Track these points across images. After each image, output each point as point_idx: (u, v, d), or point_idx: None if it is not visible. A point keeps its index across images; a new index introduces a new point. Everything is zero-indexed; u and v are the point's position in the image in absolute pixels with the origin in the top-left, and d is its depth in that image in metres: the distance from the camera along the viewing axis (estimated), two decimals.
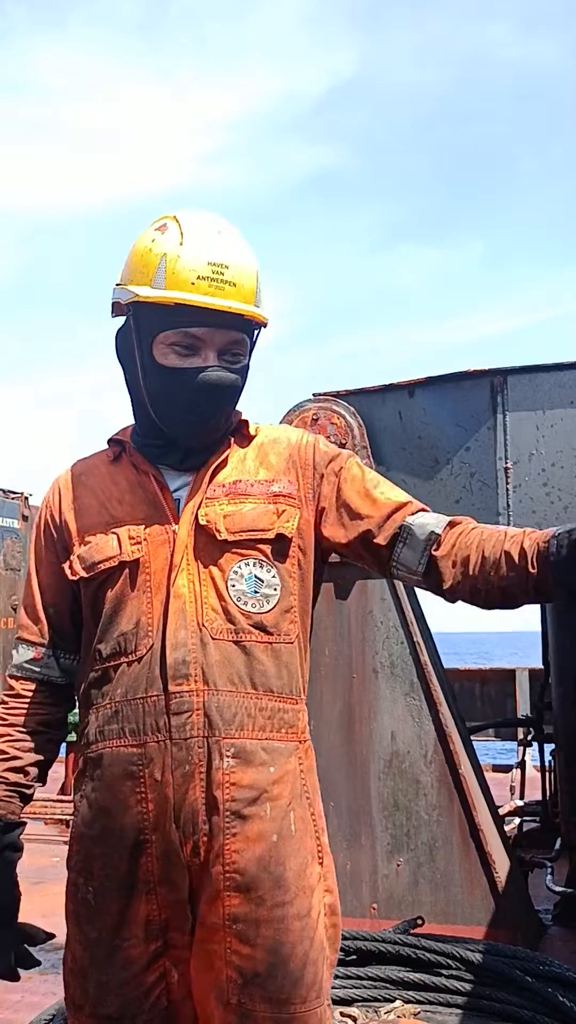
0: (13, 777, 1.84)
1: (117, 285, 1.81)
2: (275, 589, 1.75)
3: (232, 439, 1.85)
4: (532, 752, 6.11)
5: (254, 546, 1.75)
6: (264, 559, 1.75)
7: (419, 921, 3.76)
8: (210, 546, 1.74)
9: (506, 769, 8.38)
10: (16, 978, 1.81)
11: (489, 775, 7.79)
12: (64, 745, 8.22)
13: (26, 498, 5.18)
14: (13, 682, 1.90)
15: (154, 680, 1.69)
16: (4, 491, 5.12)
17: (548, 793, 5.70)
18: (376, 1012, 3.13)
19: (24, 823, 1.88)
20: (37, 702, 1.87)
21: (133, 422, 1.90)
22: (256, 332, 1.82)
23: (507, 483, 4.05)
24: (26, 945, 1.84)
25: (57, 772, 8.80)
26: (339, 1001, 3.16)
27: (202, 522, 1.74)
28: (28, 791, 1.86)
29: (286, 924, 1.64)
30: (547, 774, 5.71)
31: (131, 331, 1.79)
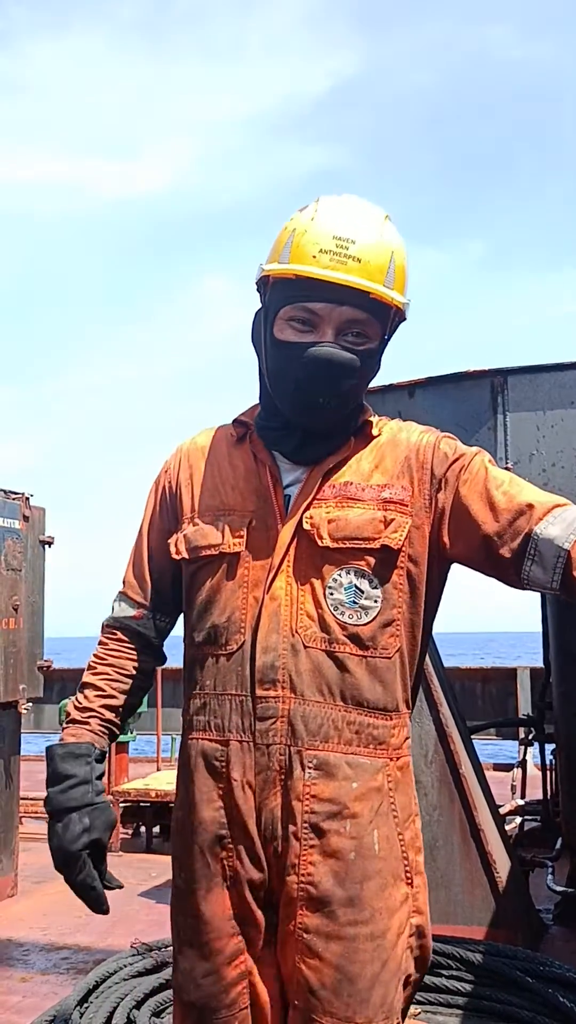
0: (108, 715, 1.83)
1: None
2: (376, 601, 1.66)
3: (354, 439, 1.76)
4: (533, 751, 6.11)
5: (357, 555, 1.67)
6: (367, 569, 1.67)
7: None
8: (311, 550, 1.68)
9: (508, 768, 8.38)
10: (107, 911, 1.77)
11: (491, 774, 7.79)
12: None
13: (27, 499, 5.18)
14: (110, 631, 1.91)
15: (243, 680, 1.67)
16: (5, 492, 5.11)
17: (549, 792, 5.70)
18: None
19: (107, 752, 1.86)
20: (133, 651, 1.89)
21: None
22: (393, 317, 1.72)
23: None
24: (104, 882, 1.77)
25: None
26: None
27: (305, 526, 1.68)
28: (116, 731, 1.86)
29: (357, 943, 1.60)
30: (548, 773, 5.71)
31: (262, 310, 1.75)
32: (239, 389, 1.83)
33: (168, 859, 1.98)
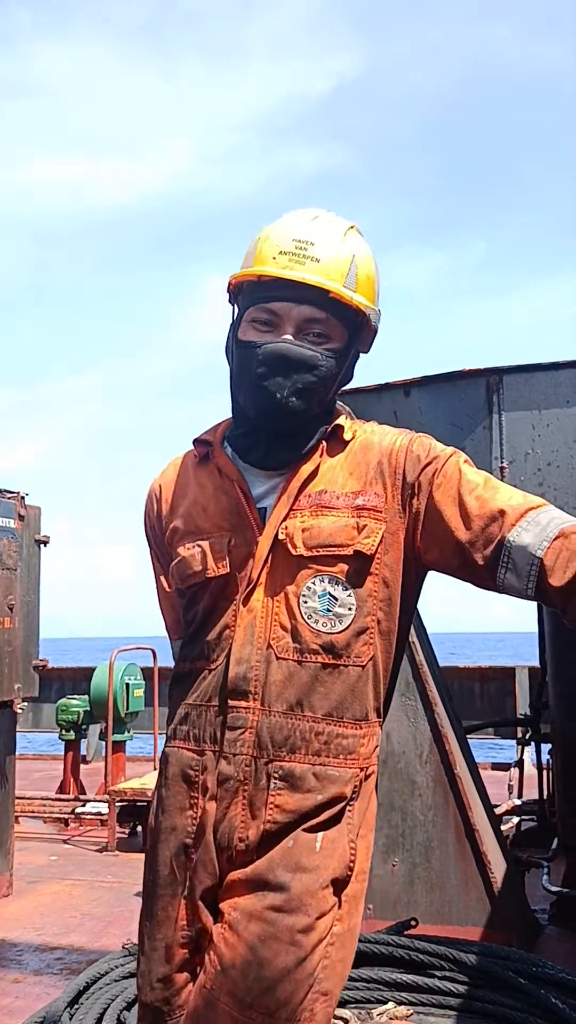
0: None
1: None
2: (350, 609, 1.66)
3: (325, 443, 1.75)
4: (531, 751, 6.09)
5: (331, 562, 1.66)
6: (341, 576, 1.66)
7: (412, 923, 3.74)
8: (286, 560, 1.68)
9: (505, 767, 8.38)
10: None
11: (488, 773, 7.79)
12: (63, 744, 8.24)
13: (22, 497, 5.17)
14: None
15: (218, 691, 1.69)
16: (0, 491, 5.11)
17: (545, 793, 5.69)
18: (368, 1014, 3.12)
19: None
20: None
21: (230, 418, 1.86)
22: (360, 324, 1.73)
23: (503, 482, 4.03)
24: None
25: (56, 770, 8.82)
26: None
27: (280, 536, 1.68)
28: None
29: (275, 930, 1.58)
30: (544, 774, 5.69)
31: (232, 320, 1.77)
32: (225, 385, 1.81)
33: None
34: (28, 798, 7.28)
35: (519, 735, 6.57)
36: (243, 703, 1.66)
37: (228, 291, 1.77)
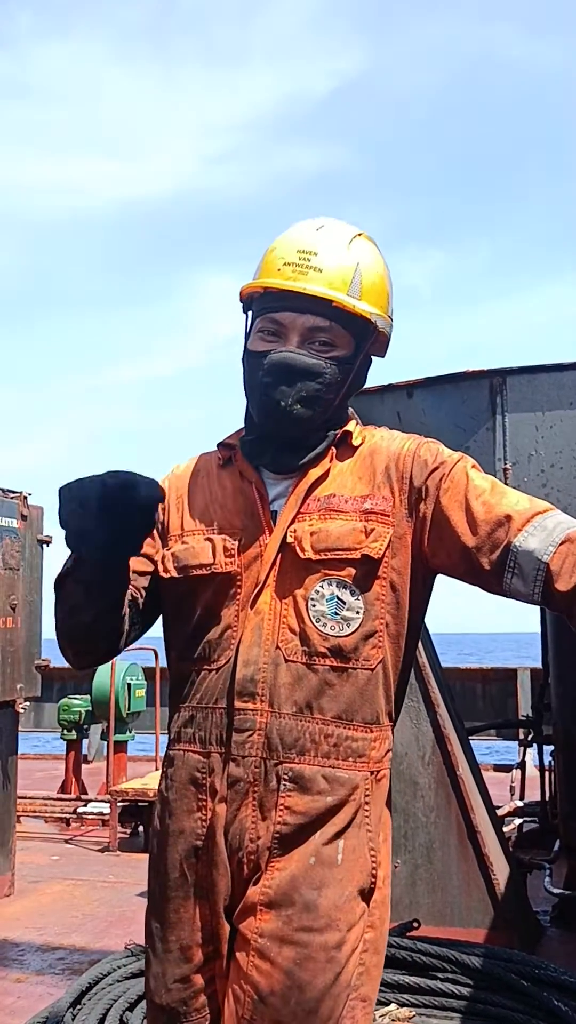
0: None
1: None
2: (357, 612, 1.66)
3: (335, 450, 1.76)
4: (533, 752, 6.09)
5: (339, 566, 1.67)
6: (348, 580, 1.67)
7: (415, 924, 3.75)
8: (295, 564, 1.68)
9: (507, 768, 8.37)
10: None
11: (490, 774, 7.78)
12: (65, 744, 8.24)
13: (25, 497, 5.17)
14: None
15: (224, 693, 1.68)
16: (3, 490, 5.11)
17: (547, 794, 5.69)
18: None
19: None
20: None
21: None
22: (368, 330, 1.74)
23: (506, 484, 4.02)
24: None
25: (57, 770, 8.83)
26: None
27: (288, 539, 1.68)
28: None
29: (310, 951, 1.58)
30: (546, 775, 5.69)
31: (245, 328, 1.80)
32: (240, 391, 1.83)
33: None
34: (30, 798, 7.28)
35: (521, 736, 6.57)
36: (250, 705, 1.65)
37: (240, 301, 1.79)
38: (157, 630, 2.06)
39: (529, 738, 5.99)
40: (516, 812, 5.96)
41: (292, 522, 1.70)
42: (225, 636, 1.71)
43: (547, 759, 5.70)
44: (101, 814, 6.88)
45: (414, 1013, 3.16)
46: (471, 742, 4.57)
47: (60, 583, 1.67)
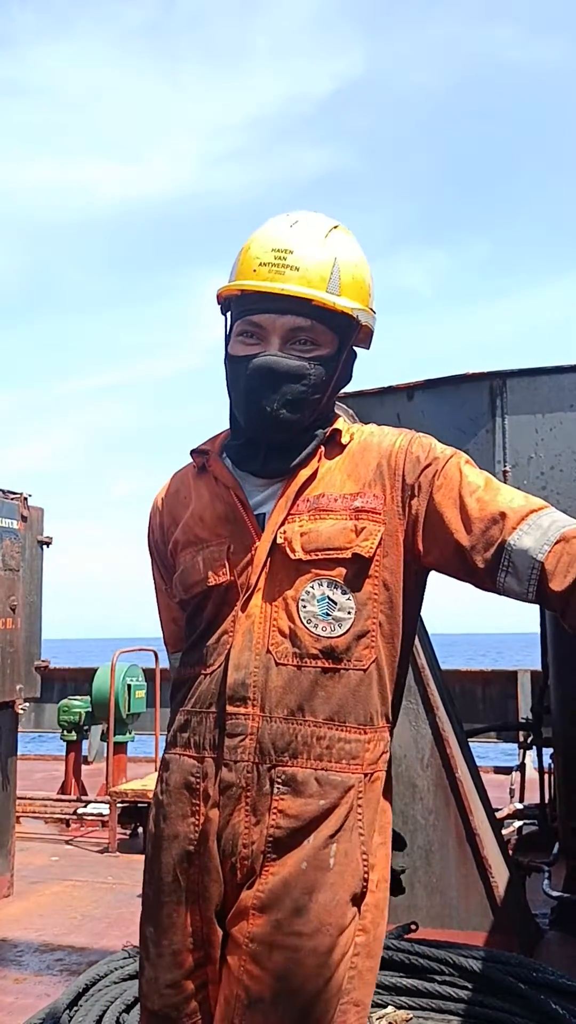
0: None
1: None
2: (349, 612, 1.64)
3: (323, 448, 1.74)
4: (533, 754, 6.10)
5: (329, 566, 1.64)
6: (339, 580, 1.64)
7: (412, 926, 3.74)
8: (285, 565, 1.66)
9: (507, 771, 8.37)
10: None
11: (490, 776, 7.78)
12: (64, 745, 8.24)
13: (25, 499, 5.17)
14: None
15: (217, 697, 1.67)
16: (3, 492, 5.11)
17: (547, 797, 5.68)
18: (368, 1018, 3.12)
19: None
20: None
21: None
22: (351, 325, 1.70)
23: None
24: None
25: (57, 771, 8.82)
26: None
27: (279, 540, 1.66)
28: None
29: (300, 956, 1.56)
30: (546, 777, 5.69)
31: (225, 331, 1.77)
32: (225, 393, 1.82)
33: None
34: (29, 798, 7.29)
35: (521, 739, 6.57)
36: (242, 709, 1.64)
37: (218, 303, 1.76)
38: (156, 631, 2.08)
39: (529, 741, 5.99)
40: (516, 814, 5.97)
41: (282, 523, 1.68)
42: (221, 641, 1.70)
43: (547, 762, 5.70)
44: (100, 815, 6.88)
45: (411, 1016, 3.16)
46: (470, 744, 4.56)
47: None
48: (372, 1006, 3.18)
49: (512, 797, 6.31)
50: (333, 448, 1.75)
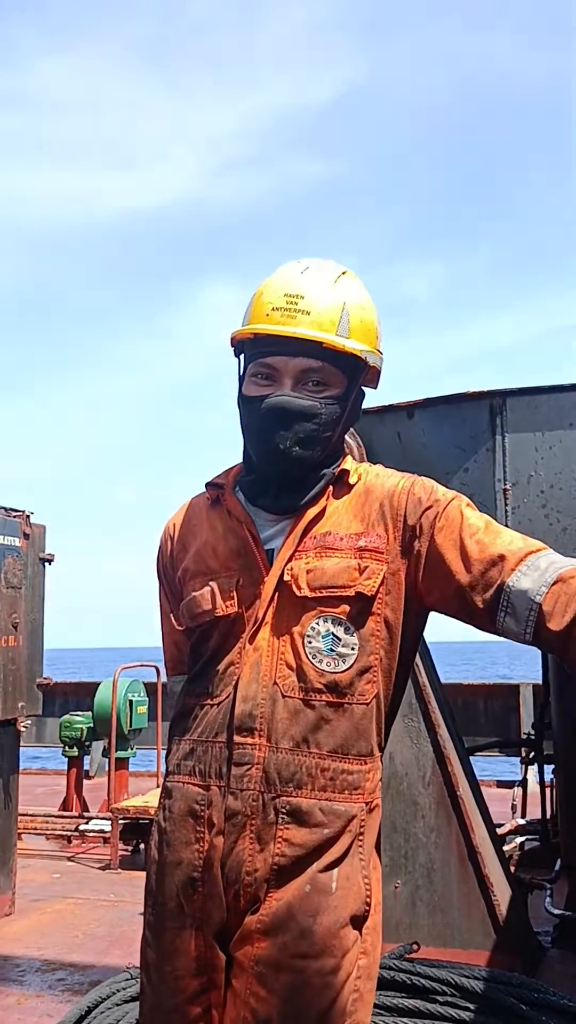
0: None
1: None
2: (352, 648, 1.70)
3: (332, 488, 1.80)
4: (535, 769, 6.09)
5: (334, 603, 1.70)
6: (343, 617, 1.70)
7: (414, 947, 3.74)
8: (292, 601, 1.72)
9: (510, 785, 8.35)
10: None
11: (492, 791, 7.77)
12: (66, 761, 8.23)
13: (27, 516, 5.19)
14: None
15: (224, 728, 1.71)
16: (6, 509, 5.12)
17: (548, 812, 5.68)
18: None
19: None
20: None
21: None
22: (358, 365, 1.78)
23: (506, 504, 4.05)
24: None
25: (59, 786, 8.81)
26: None
27: (285, 577, 1.72)
28: None
29: (305, 977, 1.61)
30: (547, 791, 5.69)
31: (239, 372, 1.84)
32: (238, 429, 1.85)
33: None
34: (31, 815, 7.27)
35: (523, 754, 6.57)
36: (249, 739, 1.68)
37: (232, 346, 1.82)
38: (157, 645, 2.10)
39: (530, 756, 5.98)
40: (518, 830, 5.95)
41: (289, 560, 1.73)
42: (227, 672, 1.74)
43: (548, 776, 5.70)
44: (102, 831, 6.87)
45: None
46: (472, 759, 4.56)
47: None
48: None
49: (514, 812, 6.29)
50: (341, 487, 1.80)
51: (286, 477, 1.77)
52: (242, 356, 1.82)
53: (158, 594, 2.01)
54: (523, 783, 6.48)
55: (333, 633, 1.70)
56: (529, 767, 6.28)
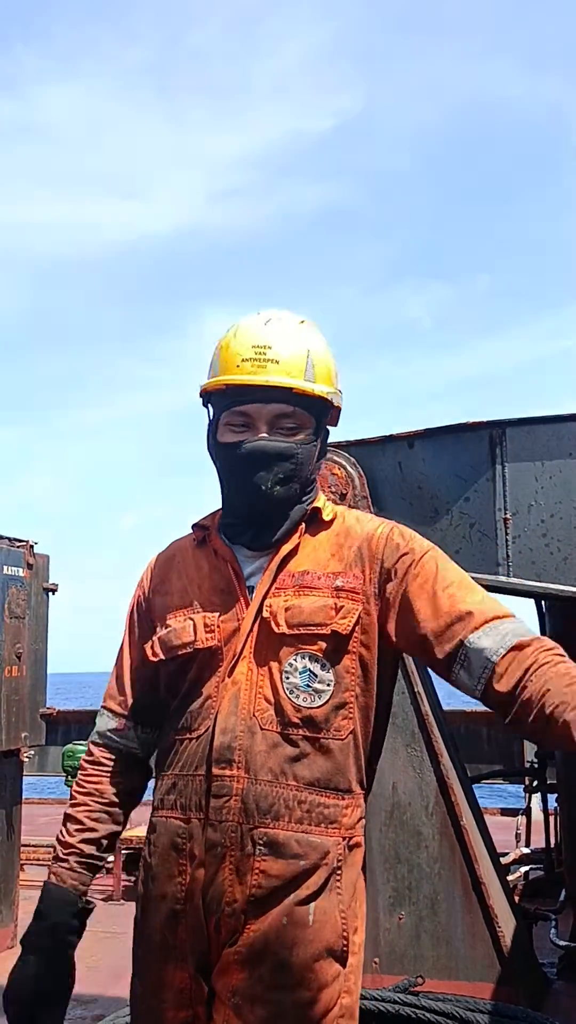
0: (88, 849, 1.89)
1: None
2: (328, 684, 1.76)
3: (305, 526, 1.87)
4: (538, 797, 6.06)
5: (310, 640, 1.77)
6: (319, 654, 1.77)
7: (419, 980, 3.72)
8: (269, 637, 1.78)
9: (514, 813, 8.29)
10: None
11: (496, 819, 7.72)
12: (68, 791, 8.20)
13: (31, 546, 5.22)
14: (94, 748, 1.97)
15: (203, 760, 1.76)
16: (9, 539, 5.15)
17: (552, 841, 5.65)
18: None
19: (93, 906, 1.93)
20: (116, 772, 1.94)
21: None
22: (325, 406, 1.87)
23: (506, 534, 4.07)
24: None
25: (61, 815, 8.74)
26: None
27: (264, 614, 1.79)
28: (100, 863, 1.92)
29: (281, 1009, 1.64)
30: (552, 819, 5.66)
31: (209, 422, 1.92)
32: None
33: None
34: (34, 845, 7.23)
35: (526, 783, 6.54)
36: (228, 771, 1.73)
37: (200, 396, 1.90)
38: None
39: (534, 784, 5.96)
40: (522, 859, 5.92)
41: (267, 595, 1.80)
42: (206, 706, 1.79)
43: (552, 805, 5.67)
44: (105, 862, 6.83)
45: None
46: (475, 788, 4.55)
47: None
48: None
49: (518, 841, 6.26)
50: (316, 525, 1.88)
51: (264, 516, 1.84)
52: (210, 406, 1.90)
53: (129, 624, 2.02)
54: (527, 811, 6.45)
55: (310, 669, 1.76)
56: (533, 795, 6.26)
